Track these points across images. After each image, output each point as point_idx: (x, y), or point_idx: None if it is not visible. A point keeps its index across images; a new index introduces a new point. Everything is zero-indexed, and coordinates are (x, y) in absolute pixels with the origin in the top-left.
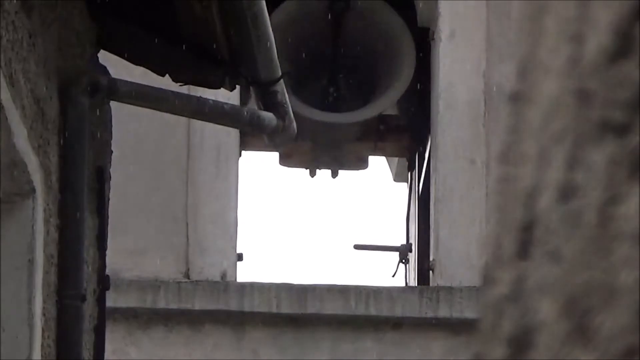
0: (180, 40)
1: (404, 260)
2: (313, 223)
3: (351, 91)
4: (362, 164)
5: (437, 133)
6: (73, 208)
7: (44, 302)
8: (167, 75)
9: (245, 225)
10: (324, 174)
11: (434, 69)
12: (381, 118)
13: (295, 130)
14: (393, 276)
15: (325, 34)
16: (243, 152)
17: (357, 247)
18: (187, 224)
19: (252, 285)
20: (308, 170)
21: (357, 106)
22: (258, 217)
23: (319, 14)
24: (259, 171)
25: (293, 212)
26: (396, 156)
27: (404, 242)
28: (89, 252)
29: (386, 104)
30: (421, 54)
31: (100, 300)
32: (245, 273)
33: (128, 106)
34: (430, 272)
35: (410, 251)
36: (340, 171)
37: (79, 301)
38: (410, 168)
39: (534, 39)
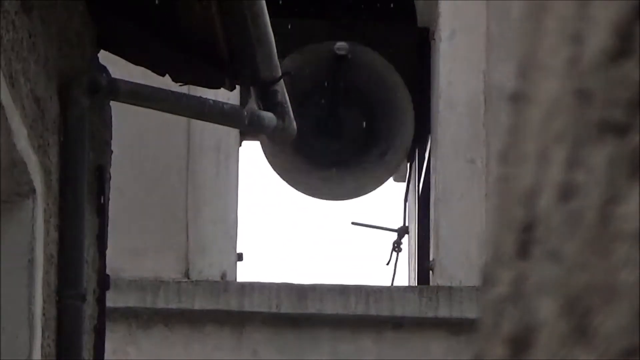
0: (180, 40)
1: (397, 249)
2: (313, 223)
3: (352, 128)
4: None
5: (437, 133)
6: (73, 208)
7: (44, 302)
8: (167, 75)
9: (245, 225)
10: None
11: (434, 69)
12: None
13: (295, 130)
14: (387, 264)
15: (325, 87)
16: (243, 143)
17: (354, 223)
18: (187, 224)
19: (252, 285)
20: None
21: (357, 144)
22: (258, 217)
23: (321, 70)
24: (258, 167)
25: (293, 212)
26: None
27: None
28: (89, 252)
29: (391, 167)
30: (421, 54)
31: (100, 300)
32: (245, 273)
33: (128, 106)
34: (430, 272)
35: (407, 233)
36: None
37: (79, 301)
38: (410, 164)
39: (534, 39)
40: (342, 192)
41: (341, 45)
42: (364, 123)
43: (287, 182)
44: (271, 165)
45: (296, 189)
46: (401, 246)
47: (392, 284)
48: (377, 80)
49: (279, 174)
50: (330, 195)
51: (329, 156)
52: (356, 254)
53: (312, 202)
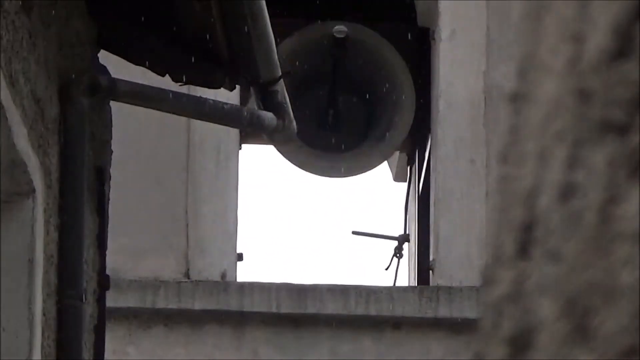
0: (180, 40)
1: (397, 255)
2: (313, 224)
3: (352, 116)
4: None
5: (437, 133)
6: (73, 208)
7: (44, 302)
8: (167, 75)
9: (245, 225)
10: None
11: (434, 69)
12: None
13: (296, 130)
14: (386, 269)
15: (325, 73)
16: (243, 146)
17: (355, 233)
18: (187, 224)
19: (252, 285)
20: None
21: (357, 130)
22: (258, 217)
23: (320, 54)
24: (259, 169)
25: (293, 212)
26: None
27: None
28: (89, 252)
29: (390, 148)
30: (421, 54)
31: (100, 300)
32: (245, 273)
33: (128, 106)
34: (430, 272)
35: (408, 241)
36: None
37: (79, 301)
38: (410, 164)
39: (534, 39)
40: (344, 171)
41: (340, 29)
42: (365, 106)
43: (292, 162)
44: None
45: (300, 167)
46: (402, 252)
47: (394, 281)
48: (377, 61)
49: (284, 156)
50: (333, 174)
51: (330, 140)
52: (356, 256)
53: (313, 202)
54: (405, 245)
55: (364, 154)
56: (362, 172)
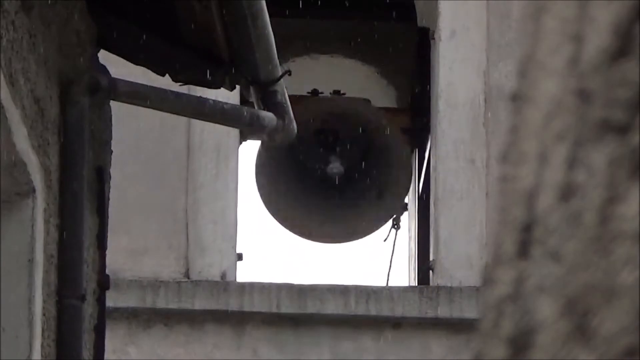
0: (180, 40)
1: (396, 226)
2: None
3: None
4: None
5: (437, 133)
6: (73, 208)
7: (44, 302)
8: (167, 75)
9: (245, 225)
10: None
11: (434, 69)
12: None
13: (295, 130)
14: (385, 240)
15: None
16: (243, 143)
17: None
18: (187, 224)
19: (252, 285)
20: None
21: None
22: (258, 217)
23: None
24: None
25: None
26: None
27: (408, 233)
28: (89, 252)
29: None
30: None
31: (100, 300)
32: (245, 273)
33: (128, 106)
34: (430, 272)
35: (406, 210)
36: None
37: (79, 301)
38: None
39: (534, 39)
40: (339, 235)
41: (335, 168)
42: (361, 169)
43: (284, 226)
44: (268, 209)
45: (294, 232)
46: (400, 223)
47: (389, 270)
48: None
49: (275, 217)
50: (328, 239)
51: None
52: (356, 256)
53: None
54: (405, 220)
55: (364, 217)
56: (362, 236)
